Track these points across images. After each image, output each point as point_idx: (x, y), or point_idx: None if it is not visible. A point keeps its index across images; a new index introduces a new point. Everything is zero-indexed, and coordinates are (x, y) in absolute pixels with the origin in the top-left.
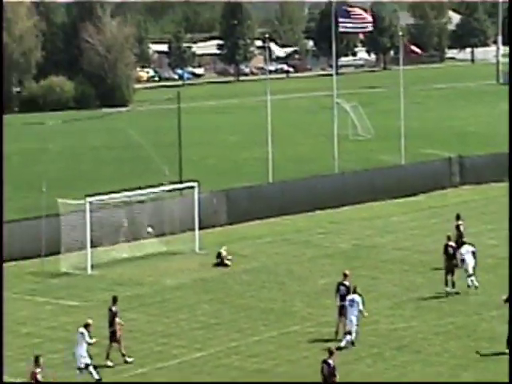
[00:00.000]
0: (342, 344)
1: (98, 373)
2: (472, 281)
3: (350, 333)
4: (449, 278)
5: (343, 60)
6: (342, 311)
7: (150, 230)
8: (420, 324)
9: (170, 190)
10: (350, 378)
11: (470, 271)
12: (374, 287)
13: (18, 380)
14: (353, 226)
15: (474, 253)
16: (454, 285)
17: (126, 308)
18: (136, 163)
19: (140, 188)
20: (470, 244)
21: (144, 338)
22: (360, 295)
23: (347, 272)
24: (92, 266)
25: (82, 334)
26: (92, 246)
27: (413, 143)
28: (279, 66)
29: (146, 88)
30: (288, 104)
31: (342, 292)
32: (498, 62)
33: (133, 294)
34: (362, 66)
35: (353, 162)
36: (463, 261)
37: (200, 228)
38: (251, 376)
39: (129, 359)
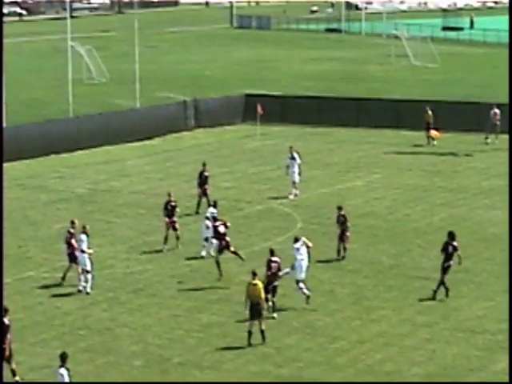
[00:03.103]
0: (81, 288)
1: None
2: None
3: (87, 272)
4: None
5: (77, 3)
6: (71, 258)
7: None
8: (156, 267)
9: None
10: (85, 322)
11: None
12: (109, 231)
13: None
14: (88, 170)
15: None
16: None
17: None
18: None
19: None
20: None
21: None
22: (87, 235)
23: (75, 220)
24: None
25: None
26: None
27: (148, 87)
28: (12, 9)
29: None
30: (22, 48)
31: (69, 239)
32: (232, 5)
33: None
34: (96, 9)
35: (87, 105)
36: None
37: None
38: None
39: None
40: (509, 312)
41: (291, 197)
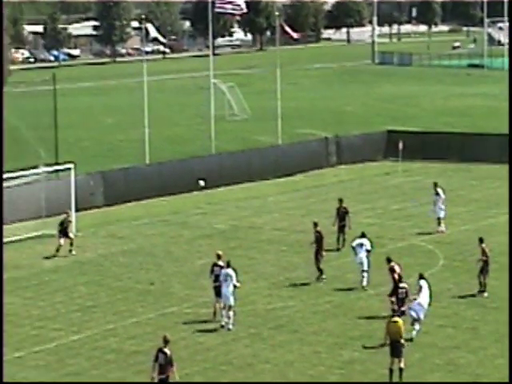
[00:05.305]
0: (224, 323)
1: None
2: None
3: (230, 308)
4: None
5: (220, 40)
6: (218, 292)
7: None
8: (297, 303)
9: (46, 172)
10: (228, 358)
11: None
12: (251, 267)
13: None
14: (230, 206)
15: (368, 252)
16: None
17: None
18: (11, 145)
19: (16, 170)
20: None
21: (20, 322)
22: (233, 269)
23: (220, 253)
24: None
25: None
26: None
27: (289, 123)
28: (156, 47)
29: (22, 69)
30: (165, 85)
31: (217, 272)
32: (373, 42)
33: (9, 278)
34: (238, 46)
35: (230, 142)
36: (354, 248)
37: (77, 210)
38: (129, 358)
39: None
40: (509, 316)
41: (444, 230)
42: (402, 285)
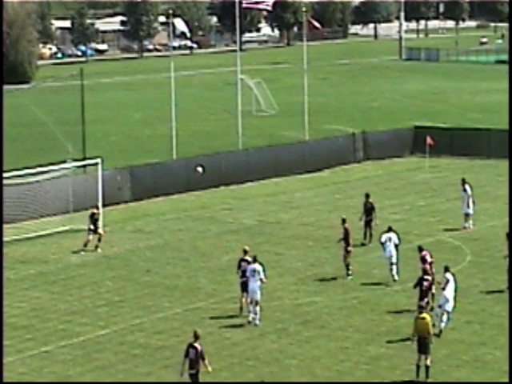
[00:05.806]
0: (251, 319)
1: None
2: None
3: (256, 303)
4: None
5: (247, 36)
6: (245, 287)
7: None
8: (324, 299)
9: (74, 167)
10: (254, 353)
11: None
12: (278, 263)
13: None
14: (257, 201)
15: (396, 246)
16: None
17: (29, 286)
18: (39, 140)
19: (43, 165)
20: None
21: (47, 316)
22: (261, 264)
23: (247, 248)
24: None
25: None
26: None
27: (317, 119)
28: (183, 42)
29: (49, 65)
30: (192, 80)
31: (244, 268)
32: (400, 38)
33: (37, 272)
34: (265, 41)
35: (257, 138)
36: (383, 244)
37: (104, 205)
38: (156, 353)
39: None
40: (509, 313)
41: (471, 227)
42: (426, 277)
